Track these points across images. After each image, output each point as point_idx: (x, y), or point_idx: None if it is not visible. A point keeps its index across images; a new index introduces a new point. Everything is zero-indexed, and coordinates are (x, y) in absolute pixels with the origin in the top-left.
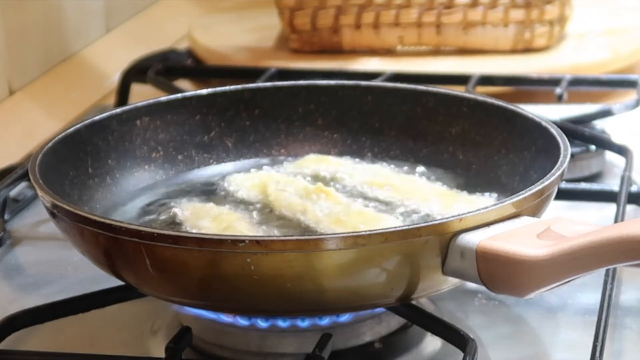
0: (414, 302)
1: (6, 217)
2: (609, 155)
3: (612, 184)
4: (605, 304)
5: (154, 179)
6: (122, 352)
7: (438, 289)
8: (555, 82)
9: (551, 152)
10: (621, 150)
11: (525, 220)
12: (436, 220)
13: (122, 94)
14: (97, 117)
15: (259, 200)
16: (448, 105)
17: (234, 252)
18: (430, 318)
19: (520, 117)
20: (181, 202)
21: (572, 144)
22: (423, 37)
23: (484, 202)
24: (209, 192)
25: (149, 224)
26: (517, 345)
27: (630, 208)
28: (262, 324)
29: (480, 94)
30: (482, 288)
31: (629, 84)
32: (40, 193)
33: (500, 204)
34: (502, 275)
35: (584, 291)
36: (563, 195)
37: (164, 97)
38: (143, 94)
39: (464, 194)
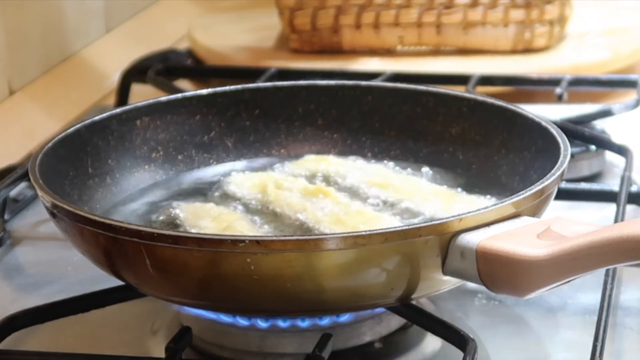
0: (414, 302)
1: (6, 217)
2: (609, 155)
3: (612, 184)
4: (605, 304)
5: (154, 179)
6: (122, 352)
7: (438, 289)
8: (555, 82)
9: (551, 152)
10: (621, 150)
11: (525, 220)
12: (436, 220)
13: (122, 94)
14: (97, 117)
15: (259, 200)
16: (448, 105)
17: (234, 252)
18: (430, 318)
19: (520, 117)
20: (181, 202)
21: (572, 144)
22: (423, 37)
23: (483, 202)
24: (209, 192)
25: (149, 224)
26: (517, 345)
27: (630, 208)
28: (262, 324)
29: (480, 94)
30: (482, 288)
31: (629, 84)
32: (40, 193)
33: (500, 204)
34: (502, 275)
35: (584, 291)
36: (563, 195)
37: (164, 97)
38: (143, 94)
39: (464, 194)
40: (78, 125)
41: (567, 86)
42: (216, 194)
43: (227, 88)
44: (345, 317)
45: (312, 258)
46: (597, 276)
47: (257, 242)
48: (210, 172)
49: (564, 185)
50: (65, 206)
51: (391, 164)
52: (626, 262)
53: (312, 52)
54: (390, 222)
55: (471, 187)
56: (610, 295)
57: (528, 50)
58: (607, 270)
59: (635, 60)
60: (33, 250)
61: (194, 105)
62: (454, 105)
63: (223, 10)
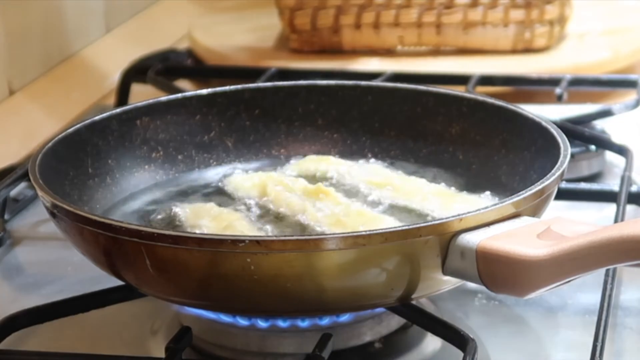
0: (414, 302)
1: (6, 217)
2: (609, 155)
3: (612, 184)
4: (605, 304)
5: (154, 179)
6: (122, 352)
7: (438, 289)
8: (555, 82)
9: (551, 152)
10: (621, 150)
11: (525, 220)
12: (436, 220)
13: (122, 94)
14: (97, 117)
15: (259, 201)
16: (448, 105)
17: (234, 252)
18: (430, 318)
19: (520, 117)
20: (181, 202)
21: (572, 144)
22: (423, 37)
23: (483, 202)
24: (209, 192)
25: (149, 224)
26: (517, 345)
27: (630, 208)
28: (262, 324)
29: (480, 94)
30: (482, 288)
31: (629, 84)
32: (40, 193)
33: (500, 204)
34: (502, 275)
35: (584, 291)
36: (563, 195)
37: (164, 97)
38: (143, 94)
39: (464, 194)
40: (78, 125)
41: (567, 86)
42: (216, 194)
43: (227, 88)
44: (345, 317)
45: (312, 258)
46: (597, 276)
47: (257, 242)
48: (210, 172)
49: (564, 185)
50: (65, 206)
51: (391, 164)
52: (626, 262)
53: (312, 52)
54: (390, 222)
55: (471, 187)
56: (610, 295)
57: (528, 50)
58: (607, 270)
59: (635, 60)
60: (33, 250)
61: (194, 105)
62: (454, 105)
63: (223, 10)
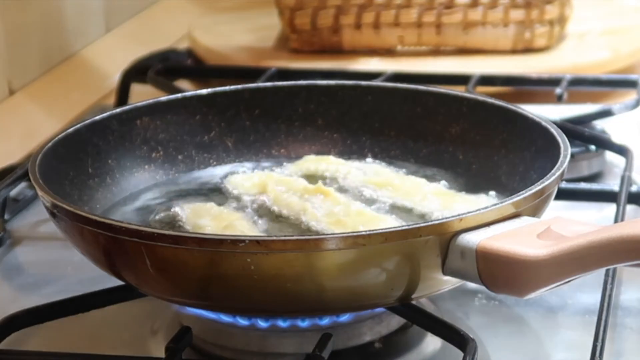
0: (414, 302)
1: (6, 217)
2: (609, 155)
3: (612, 184)
4: (605, 304)
5: (154, 179)
6: (122, 352)
7: (438, 289)
8: (555, 82)
9: (551, 152)
10: (621, 150)
11: (525, 220)
12: (436, 220)
13: (122, 94)
14: (97, 117)
15: (259, 201)
16: (448, 105)
17: (234, 252)
18: (430, 318)
19: (520, 117)
20: (181, 202)
21: (572, 144)
22: (423, 37)
23: (483, 202)
24: (209, 192)
25: (149, 224)
26: (517, 345)
27: (630, 208)
28: (262, 324)
29: (480, 94)
30: (482, 288)
31: (629, 84)
32: (40, 193)
33: (500, 204)
34: (502, 275)
35: (584, 291)
36: (563, 195)
37: (164, 97)
38: (143, 94)
39: (464, 194)
40: (78, 125)
41: (567, 86)
42: (216, 194)
43: (227, 88)
44: (345, 317)
45: (312, 258)
46: (597, 276)
47: (257, 242)
48: (210, 172)
49: (564, 185)
50: (65, 206)
51: (391, 164)
52: (626, 262)
53: (312, 52)
54: (390, 222)
55: (471, 187)
56: (610, 295)
57: (528, 50)
58: (607, 270)
59: (635, 60)
60: (33, 250)
61: (194, 105)
62: (454, 105)
63: (223, 10)
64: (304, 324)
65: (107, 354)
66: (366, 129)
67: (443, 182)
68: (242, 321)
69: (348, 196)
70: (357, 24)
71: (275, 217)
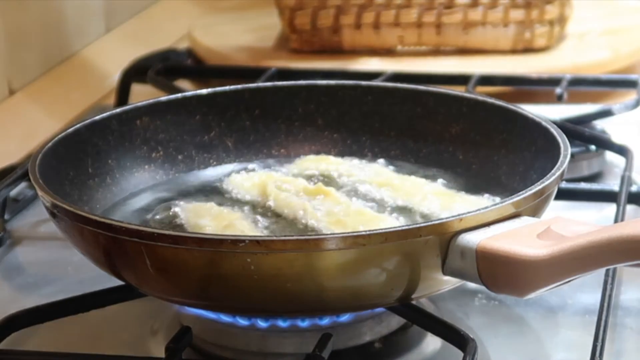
0: (414, 302)
1: (6, 217)
2: (609, 155)
3: (612, 184)
4: (605, 304)
5: (154, 179)
6: (122, 352)
7: (438, 289)
8: (555, 82)
9: (551, 152)
10: (621, 150)
11: (525, 220)
12: (436, 220)
13: (122, 94)
14: (97, 117)
15: (259, 201)
16: (448, 105)
17: (234, 252)
18: (430, 318)
19: (520, 117)
20: (181, 202)
21: (572, 144)
22: (423, 37)
23: (483, 202)
24: (209, 192)
25: (149, 224)
26: (517, 345)
27: (630, 208)
28: (262, 324)
29: (480, 94)
30: (482, 288)
31: (629, 84)
32: (40, 193)
33: (500, 204)
34: (502, 275)
35: (584, 291)
36: (563, 195)
37: (164, 97)
38: (143, 94)
39: (464, 194)
40: (78, 125)
41: (567, 86)
42: (216, 194)
43: (227, 88)
44: (345, 317)
45: (312, 258)
46: (597, 276)
47: (257, 242)
48: (210, 172)
49: (564, 185)
50: (65, 206)
51: (391, 164)
52: (626, 262)
53: (312, 52)
54: (390, 222)
55: (471, 187)
56: (610, 295)
57: (528, 50)
58: (607, 270)
59: (635, 60)
60: (33, 250)
61: (194, 105)
62: (454, 105)
63: (223, 10)
64: (304, 324)
65: (107, 354)
66: (366, 129)
67: (443, 182)
68: (242, 321)
69: (348, 196)
70: (357, 24)
71: (276, 217)
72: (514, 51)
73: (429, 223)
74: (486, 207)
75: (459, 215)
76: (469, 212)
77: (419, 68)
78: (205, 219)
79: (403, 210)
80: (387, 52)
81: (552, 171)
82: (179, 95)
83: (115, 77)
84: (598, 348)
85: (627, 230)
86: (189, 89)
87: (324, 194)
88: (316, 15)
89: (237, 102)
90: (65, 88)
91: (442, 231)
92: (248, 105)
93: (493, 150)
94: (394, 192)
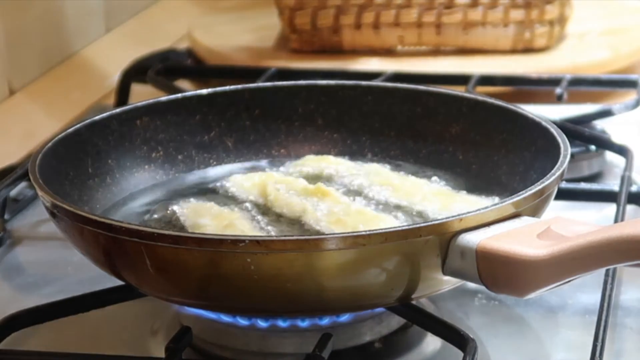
0: (414, 302)
1: (6, 217)
2: (609, 155)
3: (612, 184)
4: (605, 304)
5: (154, 179)
6: (122, 352)
7: (438, 289)
8: (555, 82)
9: (551, 152)
10: (621, 150)
11: (525, 220)
12: (436, 220)
13: (122, 94)
14: (97, 117)
15: (259, 201)
16: (448, 105)
17: (234, 252)
18: (430, 318)
19: (520, 117)
20: (181, 202)
21: (572, 144)
22: (423, 37)
23: (483, 202)
24: (209, 192)
25: (148, 224)
26: (517, 345)
27: (630, 208)
28: (262, 324)
29: (480, 94)
30: (482, 288)
31: (629, 84)
32: (40, 193)
33: (500, 204)
34: (502, 275)
35: (584, 291)
36: (563, 195)
37: (164, 97)
38: (143, 94)
39: (464, 194)
40: (78, 125)
41: (567, 86)
42: (216, 193)
43: (227, 88)
44: (345, 317)
45: (312, 258)
46: (597, 276)
47: (257, 242)
48: (210, 172)
49: (564, 185)
50: (65, 206)
51: (391, 164)
52: (626, 262)
53: (312, 52)
54: (390, 222)
55: (471, 187)
56: (610, 295)
57: (528, 50)
58: (607, 270)
59: (635, 60)
60: (33, 250)
61: (194, 105)
62: (454, 105)
63: (223, 10)
64: (304, 324)
65: (107, 354)
66: (366, 129)
67: (443, 182)
68: (242, 321)
69: (348, 196)
70: (357, 24)
71: (276, 217)
72: (514, 51)
73: (429, 223)
74: (486, 207)
75: (459, 215)
76: (469, 212)
77: (419, 68)
78: (205, 218)
79: (403, 210)
80: (387, 52)
81: (552, 171)
82: (179, 95)
83: (115, 77)
84: (598, 348)
85: (627, 230)
86: (189, 89)
87: (324, 194)
88: (316, 15)
89: (237, 102)
90: (65, 88)
91: (442, 231)
92: (248, 105)
93: (493, 150)
94: (393, 192)
